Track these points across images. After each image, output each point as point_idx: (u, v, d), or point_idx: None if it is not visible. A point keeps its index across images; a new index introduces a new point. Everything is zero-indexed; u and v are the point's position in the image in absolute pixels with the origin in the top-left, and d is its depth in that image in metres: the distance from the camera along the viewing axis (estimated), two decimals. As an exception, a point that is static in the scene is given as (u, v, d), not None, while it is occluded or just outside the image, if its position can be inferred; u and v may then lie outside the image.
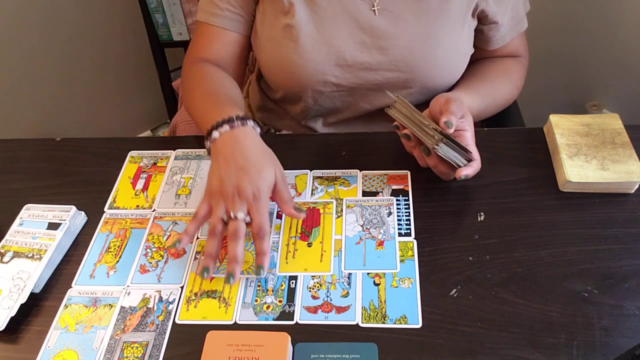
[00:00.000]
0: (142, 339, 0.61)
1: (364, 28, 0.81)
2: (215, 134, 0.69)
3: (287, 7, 0.81)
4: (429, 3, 0.81)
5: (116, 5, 1.65)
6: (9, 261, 0.67)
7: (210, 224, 0.66)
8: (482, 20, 0.86)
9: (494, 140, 0.80)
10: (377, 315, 0.61)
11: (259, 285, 0.65)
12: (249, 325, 0.61)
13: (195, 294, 0.64)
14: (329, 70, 0.82)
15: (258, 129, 0.72)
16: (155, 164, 0.81)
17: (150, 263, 0.68)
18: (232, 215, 0.65)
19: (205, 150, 0.82)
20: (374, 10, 0.81)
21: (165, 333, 0.61)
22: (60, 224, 0.70)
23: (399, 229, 0.70)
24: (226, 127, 0.69)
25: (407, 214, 0.71)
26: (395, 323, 0.60)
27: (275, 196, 0.68)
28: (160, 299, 0.64)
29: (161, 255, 0.69)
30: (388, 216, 0.71)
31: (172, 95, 1.73)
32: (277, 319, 0.61)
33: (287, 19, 0.81)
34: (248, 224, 0.65)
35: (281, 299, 0.63)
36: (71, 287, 0.66)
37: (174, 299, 0.64)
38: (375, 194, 0.74)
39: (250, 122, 0.71)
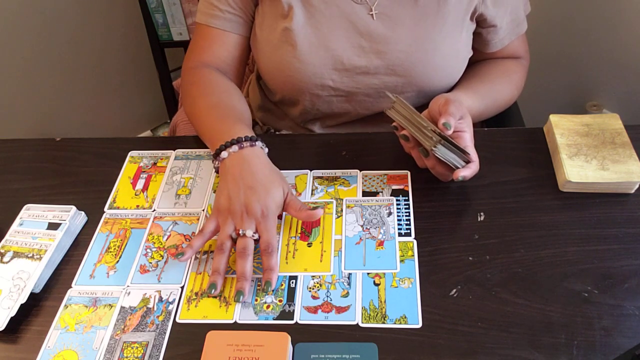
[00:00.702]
0: (142, 339, 0.61)
1: (362, 32, 0.81)
2: (224, 154, 0.71)
3: (286, 10, 0.80)
4: (427, 7, 0.80)
5: (116, 5, 1.65)
6: (9, 261, 0.67)
7: (218, 240, 0.66)
8: (481, 23, 0.85)
9: (494, 140, 0.80)
10: (377, 315, 0.61)
11: (259, 285, 0.65)
12: (249, 325, 0.61)
13: (196, 294, 0.64)
14: (327, 74, 0.82)
15: (266, 149, 0.73)
16: (155, 164, 0.81)
17: (150, 263, 0.68)
18: (240, 232, 0.65)
19: (205, 150, 0.82)
20: (372, 14, 0.81)
21: (165, 333, 0.61)
22: (60, 224, 0.70)
23: (399, 229, 0.70)
24: (235, 147, 0.71)
25: (407, 214, 0.71)
26: (395, 323, 0.60)
27: (288, 209, 0.69)
28: (160, 299, 0.64)
29: (161, 255, 0.69)
30: (388, 216, 0.71)
31: (172, 95, 1.73)
32: (277, 319, 0.61)
33: (285, 22, 0.81)
34: (256, 241, 0.66)
35: (281, 298, 0.63)
36: (71, 287, 0.66)
37: (174, 299, 0.64)
38: (375, 194, 0.74)
39: (259, 143, 0.72)
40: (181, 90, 0.91)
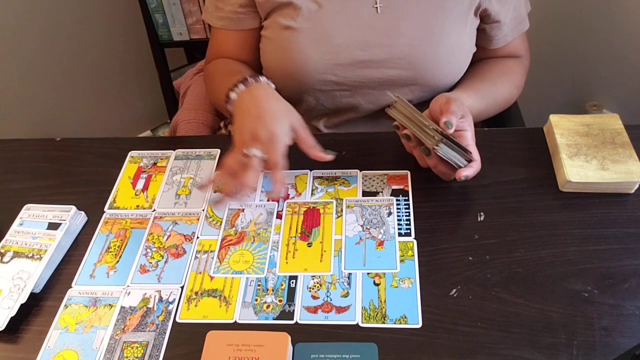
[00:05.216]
0: (142, 339, 0.61)
1: (366, 26, 0.81)
2: (233, 95, 0.75)
3: (290, 7, 0.81)
4: (431, 1, 0.81)
5: (116, 5, 1.65)
6: (9, 261, 0.67)
7: (226, 164, 0.69)
8: (485, 19, 0.86)
9: (494, 140, 0.80)
10: (377, 315, 0.61)
11: (259, 285, 0.65)
12: (249, 325, 0.61)
13: (196, 293, 0.64)
14: (329, 69, 0.82)
15: (273, 85, 0.77)
16: (155, 164, 0.81)
17: (150, 263, 0.68)
18: (244, 151, 0.68)
19: (205, 150, 0.82)
20: (376, 7, 0.81)
21: (165, 333, 0.61)
22: (60, 224, 0.70)
23: (399, 229, 0.70)
24: (241, 86, 0.75)
25: (407, 214, 0.71)
26: (395, 323, 0.60)
27: (300, 144, 0.71)
28: (160, 299, 0.64)
29: (161, 255, 0.69)
30: (388, 216, 0.71)
31: (172, 95, 1.72)
32: (277, 319, 0.61)
33: (288, 19, 0.81)
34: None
35: (281, 298, 0.63)
36: (71, 287, 0.66)
37: (174, 299, 0.64)
38: (375, 194, 0.74)
39: (264, 78, 0.76)
40: (205, 86, 0.99)
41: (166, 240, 0.71)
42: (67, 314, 0.63)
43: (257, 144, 0.68)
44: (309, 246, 0.69)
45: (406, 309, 0.61)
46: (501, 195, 0.73)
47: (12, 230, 0.71)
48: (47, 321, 0.63)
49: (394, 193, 0.74)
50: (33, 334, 0.62)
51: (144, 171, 0.80)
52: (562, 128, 0.78)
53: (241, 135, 0.70)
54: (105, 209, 0.75)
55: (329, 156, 0.72)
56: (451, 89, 0.86)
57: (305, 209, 0.73)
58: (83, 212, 0.74)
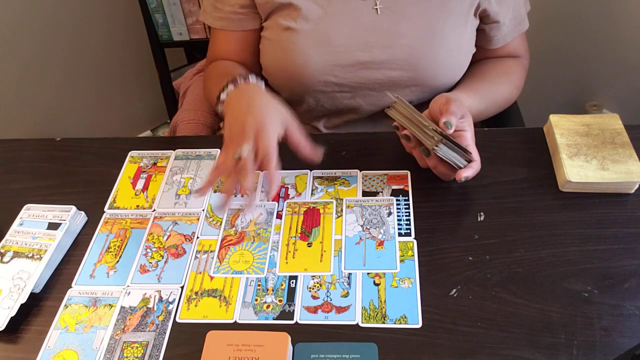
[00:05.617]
0: (142, 339, 0.61)
1: (367, 27, 0.81)
2: (223, 95, 0.75)
3: (290, 9, 0.81)
4: (432, 2, 0.81)
5: (116, 5, 1.65)
6: (9, 261, 0.67)
7: (218, 160, 0.69)
8: (484, 19, 0.86)
9: (494, 140, 0.80)
10: (377, 315, 0.61)
11: (259, 285, 0.65)
12: (249, 325, 0.61)
13: (196, 293, 0.64)
14: (329, 70, 0.82)
15: (262, 84, 0.76)
16: (155, 164, 0.81)
17: (150, 263, 0.68)
18: (235, 156, 0.65)
19: (205, 150, 0.82)
20: (376, 9, 0.81)
21: (165, 333, 0.61)
22: (60, 224, 0.70)
23: (399, 229, 0.70)
24: (231, 86, 0.75)
25: (407, 214, 0.71)
26: (395, 323, 0.60)
27: (290, 139, 0.69)
28: (160, 299, 0.64)
29: (161, 255, 0.69)
30: (388, 216, 0.71)
31: (172, 95, 1.72)
32: (277, 319, 0.61)
33: (288, 21, 0.81)
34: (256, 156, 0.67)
35: (281, 298, 0.63)
36: (71, 287, 0.66)
37: (174, 299, 0.64)
38: (375, 194, 0.74)
39: (253, 79, 0.76)
40: (203, 88, 0.96)
41: (166, 240, 0.71)
42: (67, 314, 0.63)
43: (246, 136, 0.66)
44: (309, 246, 0.69)
45: (406, 309, 0.61)
46: (501, 195, 0.73)
47: (12, 230, 0.71)
48: (47, 321, 0.63)
49: (394, 193, 0.74)
50: (33, 334, 0.62)
51: (144, 171, 0.80)
52: (562, 128, 0.78)
53: (230, 131, 0.69)
54: (105, 209, 0.75)
55: (319, 152, 0.70)
56: (451, 89, 0.86)
57: (305, 209, 0.73)
58: (83, 212, 0.74)
